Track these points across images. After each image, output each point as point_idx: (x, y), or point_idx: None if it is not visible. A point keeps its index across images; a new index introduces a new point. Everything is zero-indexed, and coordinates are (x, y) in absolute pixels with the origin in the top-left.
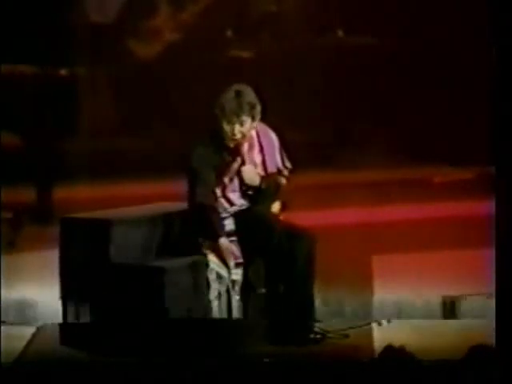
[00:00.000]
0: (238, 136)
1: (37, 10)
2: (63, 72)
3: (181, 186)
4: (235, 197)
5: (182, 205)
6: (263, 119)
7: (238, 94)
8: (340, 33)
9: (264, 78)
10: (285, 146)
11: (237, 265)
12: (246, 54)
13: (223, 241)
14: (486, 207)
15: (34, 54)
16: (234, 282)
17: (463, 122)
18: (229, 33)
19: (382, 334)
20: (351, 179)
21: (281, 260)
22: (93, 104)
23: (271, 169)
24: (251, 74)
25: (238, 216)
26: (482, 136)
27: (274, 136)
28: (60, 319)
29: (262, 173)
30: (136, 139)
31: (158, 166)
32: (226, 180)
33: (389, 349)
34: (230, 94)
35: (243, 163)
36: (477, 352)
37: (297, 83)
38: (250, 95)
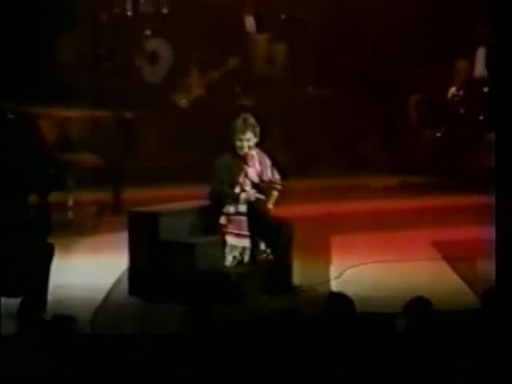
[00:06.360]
0: (246, 149)
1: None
2: (128, 115)
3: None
4: (249, 189)
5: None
6: (262, 144)
7: (244, 119)
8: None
9: (262, 120)
10: (274, 164)
11: (245, 236)
12: (248, 103)
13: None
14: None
15: (112, 103)
16: (245, 248)
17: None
18: (236, 88)
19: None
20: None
21: (270, 237)
22: (149, 135)
23: (265, 178)
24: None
25: (247, 208)
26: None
27: (267, 158)
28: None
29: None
30: (178, 159)
31: (192, 176)
32: (241, 179)
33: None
34: (239, 120)
35: (249, 167)
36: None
37: (284, 123)
38: (252, 120)
